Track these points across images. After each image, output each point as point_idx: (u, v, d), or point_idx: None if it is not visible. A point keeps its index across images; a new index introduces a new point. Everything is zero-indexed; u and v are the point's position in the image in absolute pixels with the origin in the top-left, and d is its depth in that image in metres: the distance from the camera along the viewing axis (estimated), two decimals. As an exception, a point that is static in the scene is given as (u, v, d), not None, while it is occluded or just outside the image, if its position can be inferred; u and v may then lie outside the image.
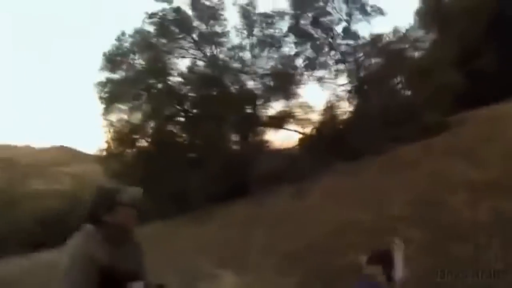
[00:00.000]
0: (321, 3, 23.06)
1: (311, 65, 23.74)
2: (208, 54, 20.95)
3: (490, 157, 8.58)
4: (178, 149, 19.74)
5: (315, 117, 24.16)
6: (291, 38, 23.40)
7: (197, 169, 18.05)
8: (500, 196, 5.42)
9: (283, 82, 22.66)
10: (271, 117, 23.55)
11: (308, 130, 23.80)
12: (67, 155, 40.26)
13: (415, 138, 15.91)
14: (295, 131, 23.92)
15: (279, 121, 23.55)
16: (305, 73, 23.88)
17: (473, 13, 23.22)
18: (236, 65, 22.03)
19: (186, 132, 21.20)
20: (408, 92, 24.58)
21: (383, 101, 21.28)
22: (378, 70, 23.12)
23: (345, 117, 23.45)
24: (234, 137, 23.30)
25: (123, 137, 19.45)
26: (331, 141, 20.59)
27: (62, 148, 51.18)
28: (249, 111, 22.53)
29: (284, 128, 23.86)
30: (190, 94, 20.78)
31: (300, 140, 23.97)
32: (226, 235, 9.26)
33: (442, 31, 26.48)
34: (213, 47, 21.05)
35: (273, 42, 22.77)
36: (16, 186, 29.72)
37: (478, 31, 22.74)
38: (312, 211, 9.21)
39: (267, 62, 23.22)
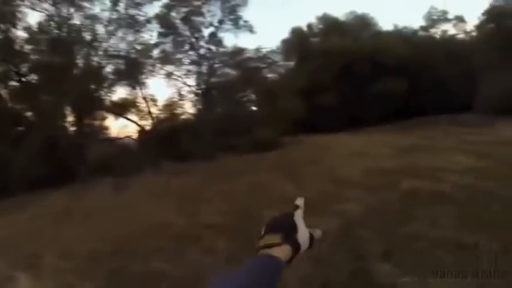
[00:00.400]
0: (198, 2, 23.18)
1: (167, 59, 23.58)
2: (64, 15, 18.33)
3: (309, 177, 10.30)
4: (3, 118, 16.85)
5: (157, 111, 24.23)
6: (155, 26, 22.59)
7: (22, 146, 15.76)
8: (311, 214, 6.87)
9: (133, 68, 21.46)
10: (113, 103, 22.28)
11: (147, 123, 23.56)
12: None
13: (247, 151, 17.16)
14: (135, 122, 23.30)
15: (120, 109, 22.51)
16: (158, 65, 23.47)
17: (327, 55, 26.84)
18: (89, 36, 19.48)
19: (18, 100, 18.36)
20: (253, 108, 26.29)
21: (225, 110, 22.67)
22: (229, 81, 24.19)
23: (184, 118, 23.92)
24: (72, 117, 20.27)
25: None
26: (164, 139, 20.58)
27: None
28: (93, 90, 20.56)
29: (124, 117, 22.91)
30: (32, 55, 18.01)
31: (138, 132, 23.34)
32: (33, 229, 8.49)
33: (300, 63, 29.73)
34: (72, 9, 18.55)
35: (133, 24, 21.23)
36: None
37: (330, 71, 26.33)
38: (126, 209, 9.16)
39: (122, 43, 21.59)
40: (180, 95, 24.00)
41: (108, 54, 20.96)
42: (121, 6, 20.39)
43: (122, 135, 22.85)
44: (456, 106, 23.80)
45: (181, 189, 10.75)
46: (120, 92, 23.46)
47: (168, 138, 20.84)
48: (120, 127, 23.40)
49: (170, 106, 24.20)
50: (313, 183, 9.41)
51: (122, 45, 21.51)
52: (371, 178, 9.38)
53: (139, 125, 22.95)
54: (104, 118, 22.56)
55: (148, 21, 21.82)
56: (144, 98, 23.19)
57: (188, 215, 7.62)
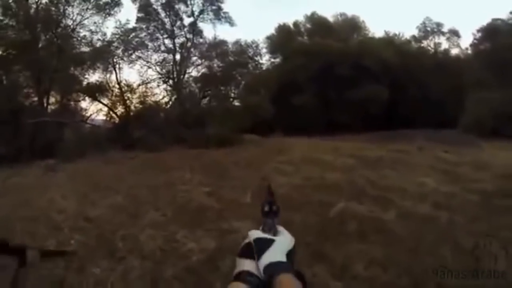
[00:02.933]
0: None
1: (143, 44, 21.94)
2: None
3: (230, 183, 8.78)
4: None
5: (131, 97, 22.25)
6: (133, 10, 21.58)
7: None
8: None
9: (106, 52, 20.41)
10: (89, 85, 21.03)
11: (120, 109, 21.78)
12: None
13: (198, 146, 15.96)
14: (107, 106, 21.57)
15: (94, 92, 20.96)
16: (135, 52, 21.85)
17: (309, 55, 25.08)
18: (65, 21, 19.31)
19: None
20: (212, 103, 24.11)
21: (188, 103, 21.39)
22: (203, 73, 22.91)
23: (144, 106, 22.20)
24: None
25: None
26: (120, 126, 19.83)
27: None
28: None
29: (98, 101, 21.37)
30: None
31: (107, 117, 21.86)
32: None
33: (283, 61, 28.30)
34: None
35: (107, 6, 20.30)
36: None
37: (311, 71, 24.67)
38: (33, 190, 8.40)
39: (98, 26, 20.55)
40: (146, 83, 22.42)
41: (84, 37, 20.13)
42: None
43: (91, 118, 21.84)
44: (440, 121, 22.27)
45: (98, 178, 10.02)
46: (96, 76, 21.56)
47: (123, 125, 19.82)
48: (94, 111, 22.10)
49: (141, 93, 22.53)
50: (230, 190, 8.00)
51: (93, 27, 20.39)
52: (303, 192, 7.42)
53: (110, 111, 21.52)
54: (79, 99, 21.77)
55: (118, 3, 20.59)
56: (118, 83, 21.51)
57: (80, 204, 6.91)
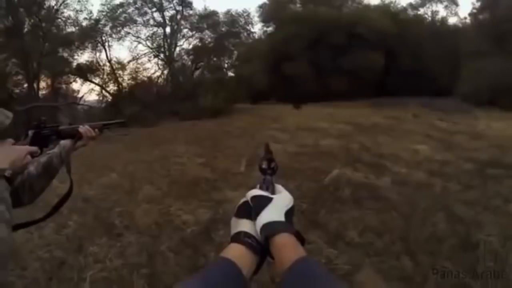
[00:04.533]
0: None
1: (131, 20, 21.31)
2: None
3: (226, 152, 8.74)
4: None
5: (123, 75, 21.92)
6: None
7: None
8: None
9: (94, 31, 20.06)
10: (79, 66, 20.63)
11: (112, 88, 21.58)
12: None
13: (191, 117, 15.87)
14: (100, 86, 21.27)
15: (85, 72, 20.66)
16: (123, 28, 21.27)
17: (302, 23, 24.41)
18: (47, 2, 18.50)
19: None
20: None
21: (181, 76, 21.13)
22: (195, 45, 22.40)
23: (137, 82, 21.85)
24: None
25: None
26: (113, 104, 19.53)
27: None
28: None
29: (90, 81, 21.09)
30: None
31: (100, 97, 21.55)
32: None
33: (276, 30, 27.41)
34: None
35: None
36: None
37: (304, 40, 24.05)
38: None
39: (82, 4, 19.82)
40: (137, 58, 21.99)
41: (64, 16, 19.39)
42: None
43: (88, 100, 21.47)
44: (435, 89, 22.08)
45: (93, 158, 9.59)
46: (85, 56, 21.98)
47: (115, 103, 19.56)
48: (86, 92, 21.77)
49: (133, 69, 22.11)
50: (224, 160, 7.91)
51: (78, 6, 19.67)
52: (298, 160, 7.33)
53: (102, 90, 21.24)
54: (68, 83, 21.34)
55: None
56: (109, 61, 21.19)
57: (77, 185, 5.86)
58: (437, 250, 3.54)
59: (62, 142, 1.54)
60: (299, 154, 7.96)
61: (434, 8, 30.88)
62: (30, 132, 1.41)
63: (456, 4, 30.55)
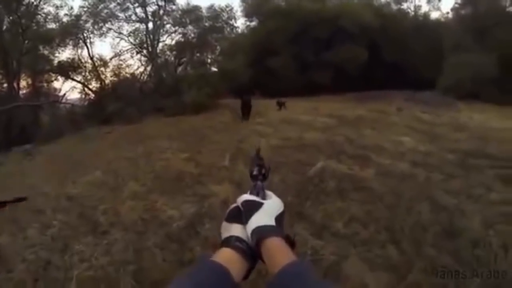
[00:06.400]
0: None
1: (113, 15, 20.86)
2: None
3: (209, 147, 8.65)
4: None
5: (106, 72, 21.68)
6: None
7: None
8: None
9: (75, 27, 19.63)
10: (60, 63, 20.08)
11: (94, 85, 21.18)
12: None
13: (175, 114, 15.72)
14: (82, 83, 20.81)
15: (66, 70, 20.15)
16: (105, 24, 20.85)
17: (285, 16, 24.35)
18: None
19: None
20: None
21: (164, 72, 20.81)
22: (178, 41, 22.19)
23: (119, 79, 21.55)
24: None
25: None
26: (96, 102, 19.35)
27: None
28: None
29: (72, 79, 20.59)
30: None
31: (82, 95, 21.08)
32: None
33: (259, 24, 27.37)
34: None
35: None
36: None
37: (287, 33, 24.02)
38: (12, 179, 8.33)
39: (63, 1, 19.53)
40: (119, 55, 21.75)
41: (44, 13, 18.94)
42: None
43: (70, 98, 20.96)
44: (418, 83, 22.27)
45: (77, 157, 9.80)
46: (66, 53, 20.85)
47: (98, 101, 19.36)
48: (68, 89, 21.30)
49: (115, 66, 21.83)
50: (208, 155, 7.84)
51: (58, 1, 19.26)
52: (281, 153, 7.32)
53: (85, 87, 20.78)
54: (50, 80, 20.82)
55: None
56: (91, 58, 20.84)
57: (61, 185, 6.79)
58: (422, 238, 3.55)
59: None
60: (283, 147, 7.91)
61: (417, 2, 31.30)
62: None
63: (439, -1, 30.88)
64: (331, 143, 8.06)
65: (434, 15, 32.06)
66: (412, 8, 31.50)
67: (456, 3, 25.58)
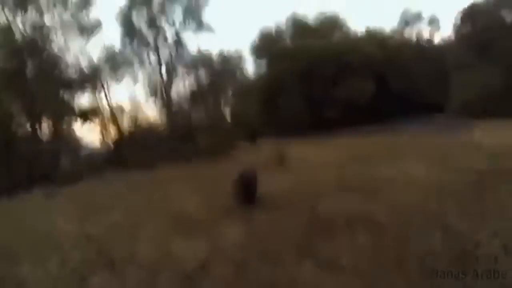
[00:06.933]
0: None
1: (128, 63, 22.15)
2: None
3: (216, 190, 8.76)
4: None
5: (123, 118, 22.44)
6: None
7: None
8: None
9: (95, 75, 21.00)
10: (80, 109, 21.28)
11: (112, 130, 22.05)
12: None
13: (190, 159, 16.12)
14: (101, 129, 21.91)
15: (87, 115, 21.27)
16: (121, 70, 22.07)
17: (292, 57, 25.09)
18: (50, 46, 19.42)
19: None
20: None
21: (178, 118, 21.50)
22: (193, 89, 22.78)
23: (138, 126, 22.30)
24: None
25: None
26: (115, 148, 20.20)
27: None
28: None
29: (89, 123, 21.59)
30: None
31: (101, 140, 22.07)
32: None
33: (268, 65, 28.42)
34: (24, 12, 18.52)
35: (89, 28, 20.56)
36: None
37: (295, 73, 24.64)
38: (34, 218, 8.50)
39: (82, 49, 20.85)
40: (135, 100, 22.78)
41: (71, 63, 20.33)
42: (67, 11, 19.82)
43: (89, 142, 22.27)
44: (427, 108, 22.30)
45: (97, 199, 10.22)
46: (85, 99, 21.96)
47: (116, 146, 20.41)
48: (87, 134, 22.38)
49: (132, 111, 22.77)
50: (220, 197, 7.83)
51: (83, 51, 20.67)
52: (292, 192, 7.51)
53: (103, 133, 21.92)
54: (70, 125, 21.56)
55: (98, 23, 20.89)
56: (109, 106, 22.04)
57: (81, 225, 7.04)
58: (433, 267, 3.47)
59: None
60: (295, 187, 7.98)
61: (418, 29, 31.82)
62: None
63: (438, 23, 31.43)
64: (341, 179, 8.07)
65: (437, 37, 32.60)
66: (414, 36, 32.00)
67: (455, 23, 25.95)
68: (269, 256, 4.34)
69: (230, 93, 23.58)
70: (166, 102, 22.18)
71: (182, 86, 23.06)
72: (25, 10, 18.30)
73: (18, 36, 18.35)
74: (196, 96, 22.27)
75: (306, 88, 23.81)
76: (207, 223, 6.26)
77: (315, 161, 11.27)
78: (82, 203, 9.87)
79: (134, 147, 17.88)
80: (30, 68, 19.00)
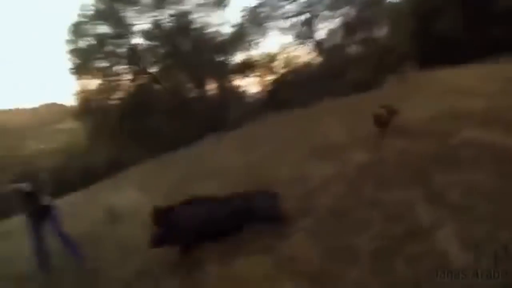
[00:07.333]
0: None
1: (273, 16, 22.86)
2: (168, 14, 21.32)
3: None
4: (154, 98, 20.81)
5: (277, 64, 24.28)
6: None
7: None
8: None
9: (244, 35, 22.72)
10: (237, 65, 23.90)
11: (268, 78, 24.39)
12: (59, 112, 38.80)
13: (343, 94, 16.44)
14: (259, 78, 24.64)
15: (243, 69, 23.91)
16: (268, 23, 22.95)
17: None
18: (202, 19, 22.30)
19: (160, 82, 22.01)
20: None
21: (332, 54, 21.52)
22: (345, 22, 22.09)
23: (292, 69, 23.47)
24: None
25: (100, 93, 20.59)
26: (272, 91, 22.38)
27: (53, 105, 48.17)
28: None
29: (247, 76, 24.40)
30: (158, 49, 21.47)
31: (261, 87, 24.87)
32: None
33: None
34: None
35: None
36: (12, 150, 28.75)
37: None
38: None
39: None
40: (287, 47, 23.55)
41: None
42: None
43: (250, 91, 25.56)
44: None
45: (258, 139, 11.53)
46: (239, 56, 24.27)
47: (273, 91, 22.65)
48: (246, 85, 25.55)
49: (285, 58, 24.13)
50: (357, 128, 8.52)
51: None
52: (430, 123, 7.48)
53: (260, 81, 24.69)
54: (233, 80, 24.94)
55: None
56: (261, 56, 24.18)
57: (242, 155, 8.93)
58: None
59: None
60: (433, 118, 7.76)
61: None
62: None
63: None
64: (488, 111, 7.31)
65: None
66: None
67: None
68: (381, 181, 4.84)
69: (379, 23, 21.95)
70: (316, 45, 22.53)
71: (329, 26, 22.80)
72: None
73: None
74: (347, 33, 21.78)
75: (460, 7, 20.06)
76: (341, 149, 7.07)
77: (466, 90, 10.00)
78: (243, 141, 12.00)
79: (288, 89, 19.47)
80: (185, 47, 22.40)
